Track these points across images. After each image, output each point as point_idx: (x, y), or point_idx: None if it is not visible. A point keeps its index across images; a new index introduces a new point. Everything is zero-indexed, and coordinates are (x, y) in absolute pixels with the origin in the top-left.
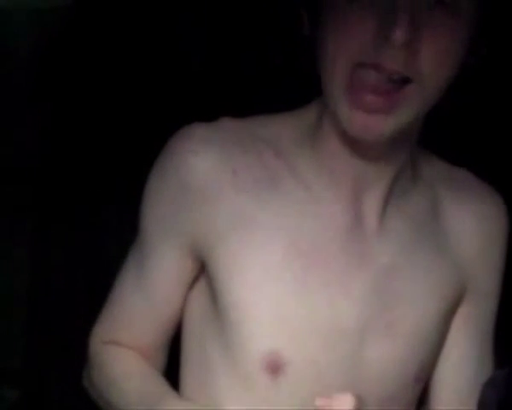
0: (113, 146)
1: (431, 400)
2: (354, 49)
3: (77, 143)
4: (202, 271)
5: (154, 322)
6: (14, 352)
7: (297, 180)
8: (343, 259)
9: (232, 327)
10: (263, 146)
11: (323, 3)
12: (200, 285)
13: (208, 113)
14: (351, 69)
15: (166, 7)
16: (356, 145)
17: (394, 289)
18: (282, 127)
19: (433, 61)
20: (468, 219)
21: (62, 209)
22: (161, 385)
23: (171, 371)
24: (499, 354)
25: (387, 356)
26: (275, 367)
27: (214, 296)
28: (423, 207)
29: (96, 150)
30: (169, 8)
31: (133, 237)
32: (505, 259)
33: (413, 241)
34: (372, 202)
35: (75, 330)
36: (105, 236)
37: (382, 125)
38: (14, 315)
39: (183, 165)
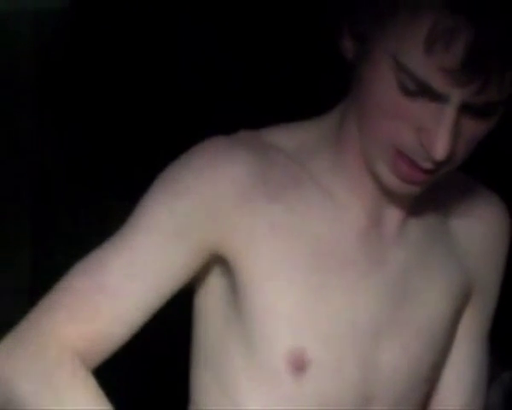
0: (116, 145)
1: (433, 399)
2: (394, 136)
3: (77, 143)
4: (221, 276)
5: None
6: None
7: (319, 187)
8: (362, 262)
9: (257, 326)
10: (286, 159)
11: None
12: (219, 290)
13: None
14: (391, 149)
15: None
16: None
17: (408, 291)
18: (301, 137)
19: (466, 150)
20: (473, 223)
21: (63, 210)
22: None
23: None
24: (500, 353)
25: (401, 356)
26: (299, 365)
27: (237, 298)
28: (435, 211)
29: (98, 150)
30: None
31: None
32: (506, 261)
33: (426, 244)
34: (393, 211)
35: None
36: (108, 237)
37: (417, 190)
38: (14, 315)
39: (221, 173)
